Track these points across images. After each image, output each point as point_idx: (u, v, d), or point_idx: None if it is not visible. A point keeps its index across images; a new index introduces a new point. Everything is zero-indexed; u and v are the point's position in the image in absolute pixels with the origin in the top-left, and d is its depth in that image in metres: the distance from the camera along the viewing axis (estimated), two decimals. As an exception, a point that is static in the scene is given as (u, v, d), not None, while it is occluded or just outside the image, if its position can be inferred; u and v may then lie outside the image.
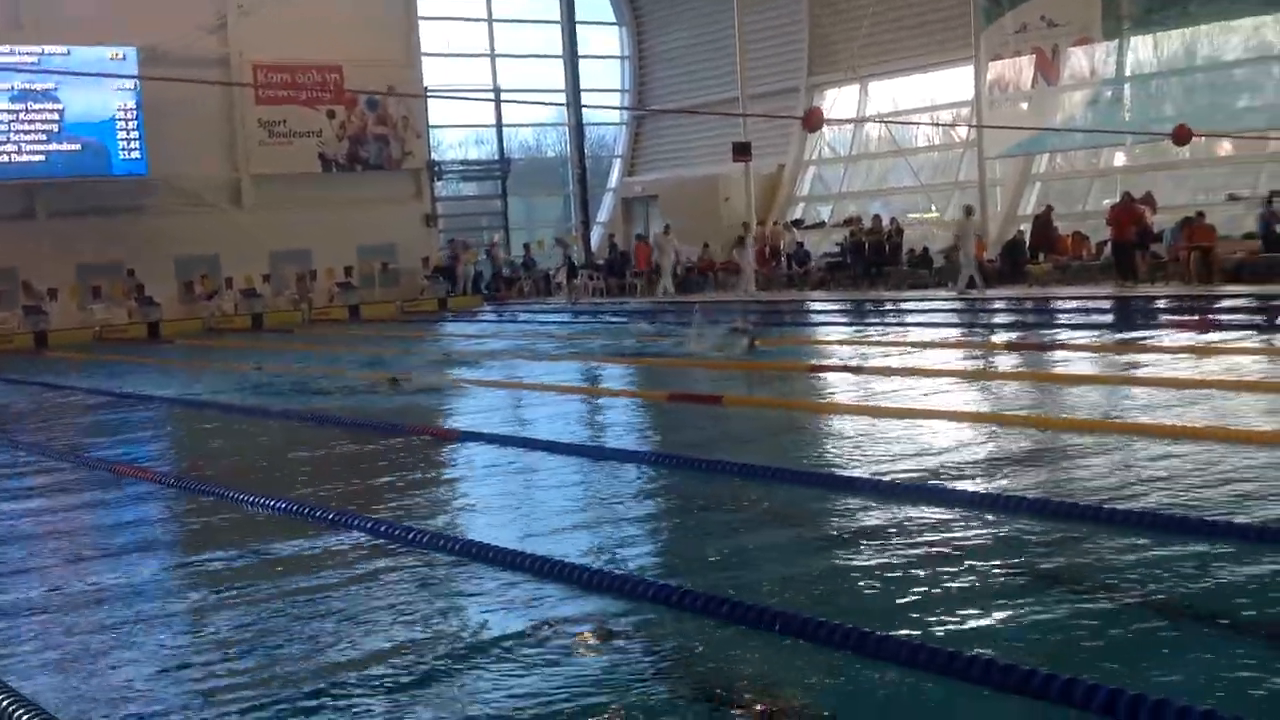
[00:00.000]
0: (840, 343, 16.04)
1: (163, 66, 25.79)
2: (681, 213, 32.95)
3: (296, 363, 17.30)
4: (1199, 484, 6.54)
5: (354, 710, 4.05)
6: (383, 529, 6.50)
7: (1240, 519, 5.69)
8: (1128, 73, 26.77)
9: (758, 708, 3.77)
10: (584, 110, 34.69)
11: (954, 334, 16.36)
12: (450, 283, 32.43)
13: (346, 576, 5.71)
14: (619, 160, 38.92)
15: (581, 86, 35.06)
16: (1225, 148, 26.40)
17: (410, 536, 6.32)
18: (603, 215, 37.97)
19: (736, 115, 30.07)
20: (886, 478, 7.12)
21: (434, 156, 34.18)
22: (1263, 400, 9.34)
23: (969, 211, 24.88)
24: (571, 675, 4.21)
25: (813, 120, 12.31)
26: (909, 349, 14.53)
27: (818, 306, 24.17)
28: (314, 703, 4.13)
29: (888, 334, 17.13)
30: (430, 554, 6.02)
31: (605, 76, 38.39)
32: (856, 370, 12.44)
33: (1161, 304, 19.60)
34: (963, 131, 29.82)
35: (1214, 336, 13.89)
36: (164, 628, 5.13)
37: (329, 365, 16.65)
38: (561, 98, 35.02)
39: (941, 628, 4.46)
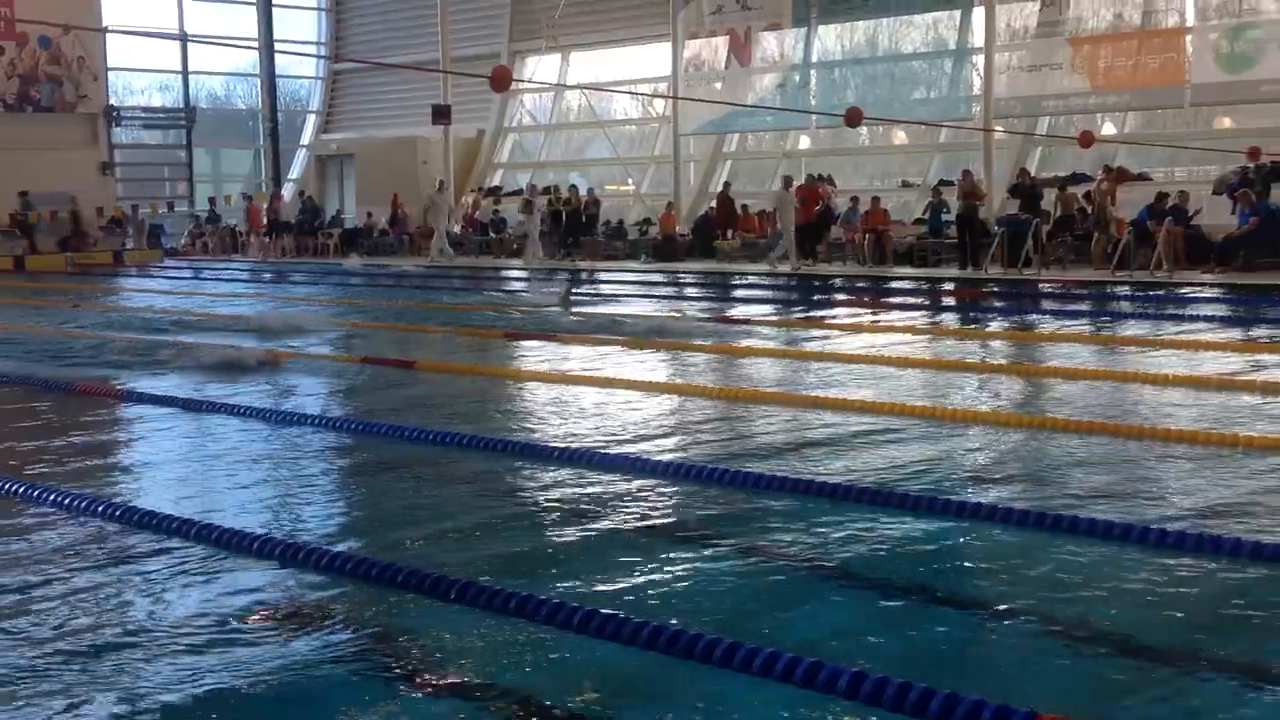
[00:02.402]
0: (541, 309, 16.12)
1: None
2: (378, 174, 32.37)
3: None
4: (865, 453, 6.91)
5: (10, 700, 3.77)
6: (42, 495, 6.09)
7: (896, 488, 6.03)
8: (814, 59, 27.98)
9: None
10: (277, 60, 33.50)
11: (647, 306, 16.69)
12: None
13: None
14: (314, 116, 37.82)
15: (276, 36, 33.82)
16: (900, 137, 27.98)
17: (75, 504, 5.96)
18: (295, 172, 36.84)
19: (425, 71, 29.60)
20: (575, 444, 7.20)
21: (113, 101, 32.29)
22: (921, 375, 9.96)
23: (787, 183, 23.99)
24: (254, 652, 4.07)
25: (500, 80, 12.17)
26: (605, 319, 14.75)
27: (514, 274, 24.22)
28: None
29: (585, 304, 17.33)
30: (99, 523, 5.69)
31: (301, 27, 37.19)
32: (537, 336, 12.54)
33: (838, 283, 20.61)
34: (659, 107, 30.44)
35: (884, 316, 14.72)
36: None
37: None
38: (253, 46, 33.73)
39: (622, 594, 4.54)
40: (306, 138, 37.61)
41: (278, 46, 34.56)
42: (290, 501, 6.22)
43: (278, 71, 35.89)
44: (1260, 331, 12.89)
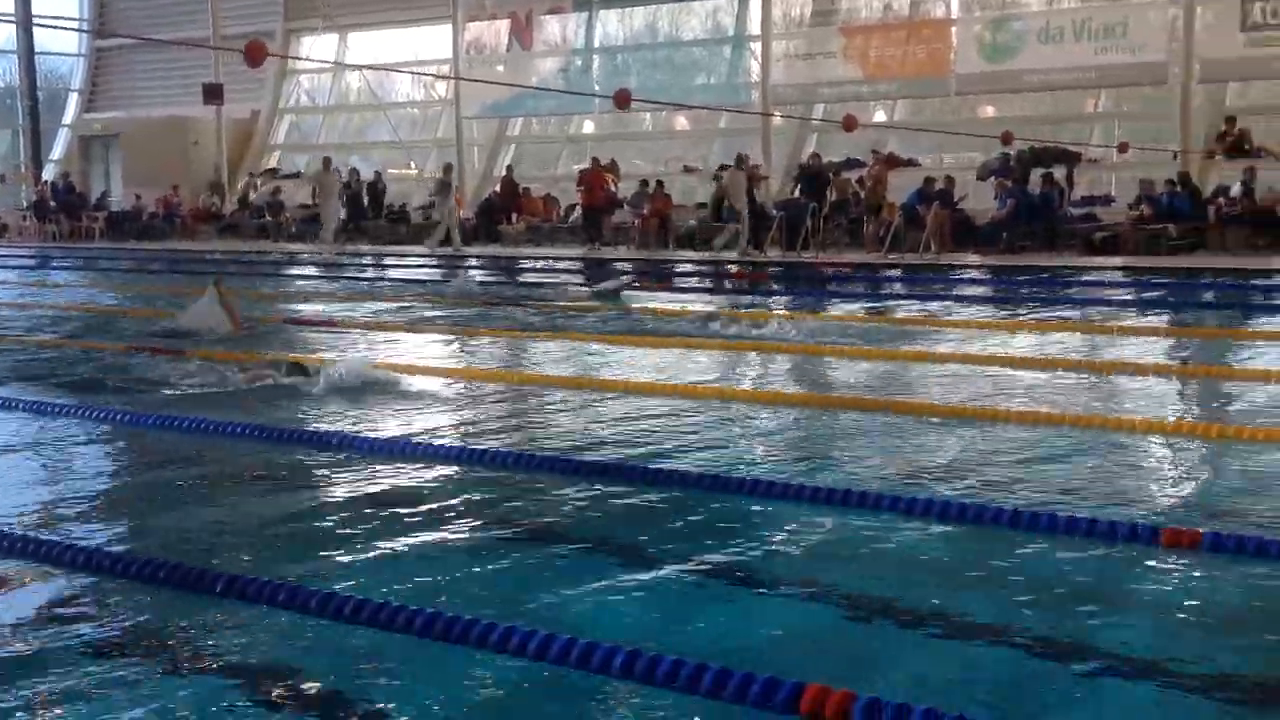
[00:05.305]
0: (320, 296, 15.75)
1: None
2: (147, 155, 31.15)
3: None
4: (651, 434, 6.96)
5: None
6: None
7: (692, 469, 6.09)
8: (596, 44, 28.10)
9: None
10: (36, 35, 31.87)
11: (436, 290, 16.48)
12: None
13: None
14: (76, 95, 36.06)
15: (34, 10, 32.16)
16: (682, 122, 28.33)
17: None
18: (57, 153, 35.10)
19: (188, 45, 28.55)
20: (364, 434, 7.01)
21: None
22: (705, 356, 10.09)
23: (740, 162, 22.38)
24: (21, 655, 3.84)
25: (254, 54, 11.78)
26: (397, 304, 14.54)
27: (292, 257, 23.63)
28: None
29: (371, 288, 17.04)
30: None
31: (61, 3, 35.42)
32: (334, 323, 12.28)
33: (627, 265, 20.78)
34: (441, 90, 30.10)
35: (670, 298, 14.90)
36: None
37: None
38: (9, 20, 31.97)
39: (409, 584, 4.46)
40: (69, 117, 35.87)
41: (36, 20, 32.86)
42: (54, 498, 5.90)
43: (37, 47, 34.12)
44: (1020, 310, 13.52)
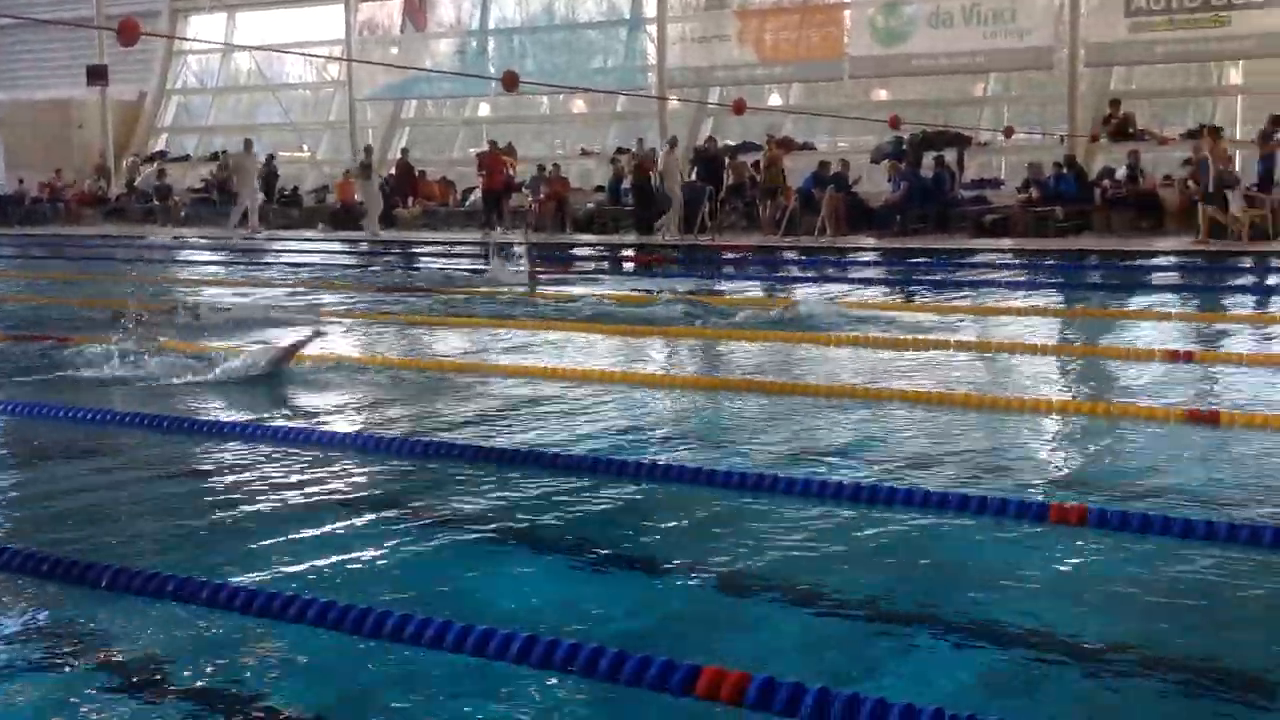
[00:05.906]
0: (224, 283, 15.46)
1: None
2: (29, 138, 30.29)
3: None
4: (548, 419, 6.94)
5: None
6: None
7: (579, 452, 6.09)
8: (492, 26, 27.91)
9: None
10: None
11: (331, 275, 16.27)
12: None
13: None
14: (-48, 76, 34.90)
15: (-95, -12, 31.01)
16: (579, 105, 28.25)
17: None
18: (-68, 136, 33.93)
19: (62, 25, 27.75)
20: (255, 422, 6.89)
21: None
22: (604, 340, 10.08)
23: (674, 144, 22.45)
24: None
25: (126, 31, 11.46)
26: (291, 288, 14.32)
27: (191, 241, 23.17)
28: None
29: (264, 274, 16.75)
30: None
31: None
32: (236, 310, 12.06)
33: (518, 250, 20.63)
34: (334, 71, 29.67)
35: (568, 282, 14.86)
36: None
37: None
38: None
39: (307, 572, 4.39)
40: (-56, 99, 34.72)
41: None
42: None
43: (-91, 26, 32.97)
44: (912, 290, 13.71)
